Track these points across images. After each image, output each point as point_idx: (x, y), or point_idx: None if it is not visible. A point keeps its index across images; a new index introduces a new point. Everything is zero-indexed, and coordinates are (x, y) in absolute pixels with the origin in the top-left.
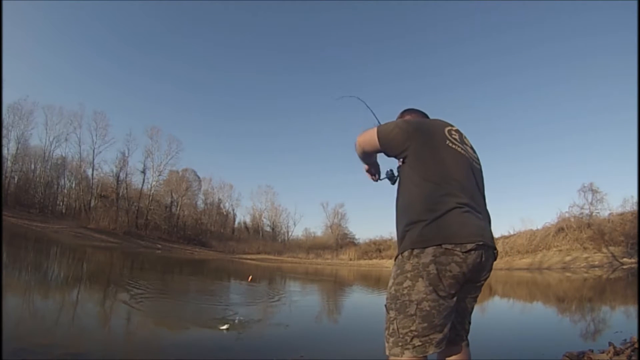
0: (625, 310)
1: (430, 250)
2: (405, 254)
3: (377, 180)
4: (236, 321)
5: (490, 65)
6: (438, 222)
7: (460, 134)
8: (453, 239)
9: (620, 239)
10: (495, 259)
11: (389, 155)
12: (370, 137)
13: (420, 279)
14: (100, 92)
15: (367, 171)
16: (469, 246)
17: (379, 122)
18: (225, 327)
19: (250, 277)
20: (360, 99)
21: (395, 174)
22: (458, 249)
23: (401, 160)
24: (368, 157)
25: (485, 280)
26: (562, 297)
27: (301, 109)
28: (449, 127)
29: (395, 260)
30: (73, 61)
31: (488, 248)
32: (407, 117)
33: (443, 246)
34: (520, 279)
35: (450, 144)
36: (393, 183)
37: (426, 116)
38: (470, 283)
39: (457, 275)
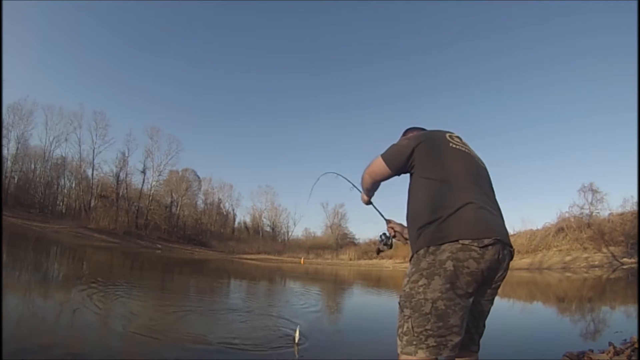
0: (625, 310)
1: (446, 246)
2: (421, 252)
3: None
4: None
5: (490, 65)
6: (453, 218)
7: (460, 139)
8: (470, 234)
9: (620, 239)
10: (511, 258)
11: (399, 174)
12: (379, 167)
13: (436, 277)
14: (101, 92)
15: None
16: (486, 241)
17: (354, 186)
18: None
19: (302, 260)
20: (336, 173)
21: (389, 235)
22: (475, 244)
23: (410, 172)
24: (375, 189)
25: (502, 280)
26: (562, 297)
27: (301, 109)
28: (449, 133)
29: (410, 260)
30: (73, 61)
31: (504, 245)
32: (410, 135)
33: (460, 242)
34: (520, 279)
35: (455, 146)
36: (390, 247)
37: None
38: (487, 283)
39: (475, 272)
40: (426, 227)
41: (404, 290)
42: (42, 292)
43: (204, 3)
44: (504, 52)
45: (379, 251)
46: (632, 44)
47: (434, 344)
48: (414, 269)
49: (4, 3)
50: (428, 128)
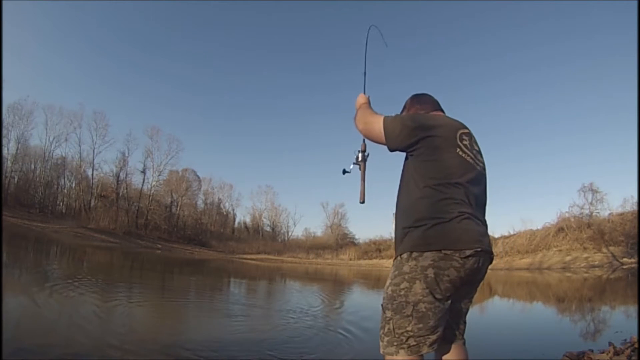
0: (625, 310)
1: (429, 254)
2: (404, 256)
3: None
4: None
5: (490, 65)
6: (439, 228)
7: (471, 138)
8: (453, 245)
9: (620, 239)
10: (491, 262)
11: (392, 151)
12: (376, 132)
13: (417, 282)
14: (100, 92)
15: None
16: (468, 252)
17: (364, 91)
18: None
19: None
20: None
21: (349, 169)
22: (457, 254)
23: (408, 154)
24: None
25: (480, 282)
26: (562, 297)
27: (301, 109)
28: (461, 131)
29: (393, 261)
30: (73, 61)
31: (485, 253)
32: (417, 108)
33: (442, 252)
34: (520, 279)
35: (460, 152)
36: (359, 167)
37: (438, 104)
38: (466, 285)
39: (454, 279)
40: (412, 230)
41: (387, 293)
42: (42, 292)
43: (204, 3)
44: (505, 52)
45: (344, 172)
46: (632, 44)
47: (414, 344)
48: (396, 272)
49: (4, 3)
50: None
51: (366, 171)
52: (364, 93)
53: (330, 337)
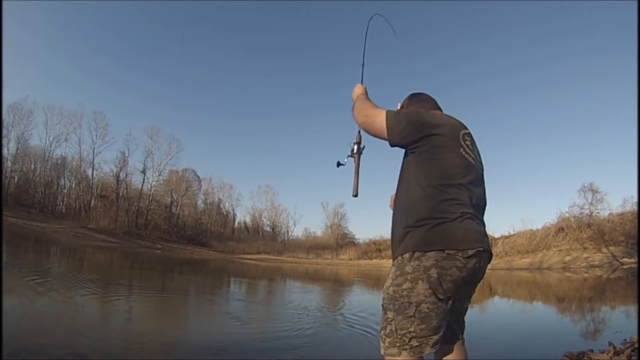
0: (625, 310)
1: (432, 254)
2: (406, 255)
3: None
4: None
5: (490, 65)
6: (441, 227)
7: (472, 139)
8: (456, 245)
9: (620, 239)
10: (489, 262)
11: (392, 146)
12: (378, 127)
13: (420, 282)
14: (100, 92)
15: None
16: (471, 252)
17: (362, 82)
18: None
19: None
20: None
21: (344, 161)
22: (460, 254)
23: (409, 151)
24: None
25: (479, 281)
26: (562, 297)
27: (301, 109)
28: (464, 131)
29: (393, 260)
30: (73, 61)
31: (486, 253)
32: (416, 106)
33: (445, 251)
34: (520, 279)
35: (464, 152)
36: (354, 159)
37: (436, 103)
38: (466, 285)
39: (457, 279)
40: (414, 229)
41: (388, 293)
42: (41, 292)
43: (203, 3)
44: (505, 52)
45: (339, 164)
46: (632, 44)
47: (417, 344)
48: (398, 272)
49: (4, 3)
50: None
51: (364, 168)
52: (362, 84)
53: (354, 335)
